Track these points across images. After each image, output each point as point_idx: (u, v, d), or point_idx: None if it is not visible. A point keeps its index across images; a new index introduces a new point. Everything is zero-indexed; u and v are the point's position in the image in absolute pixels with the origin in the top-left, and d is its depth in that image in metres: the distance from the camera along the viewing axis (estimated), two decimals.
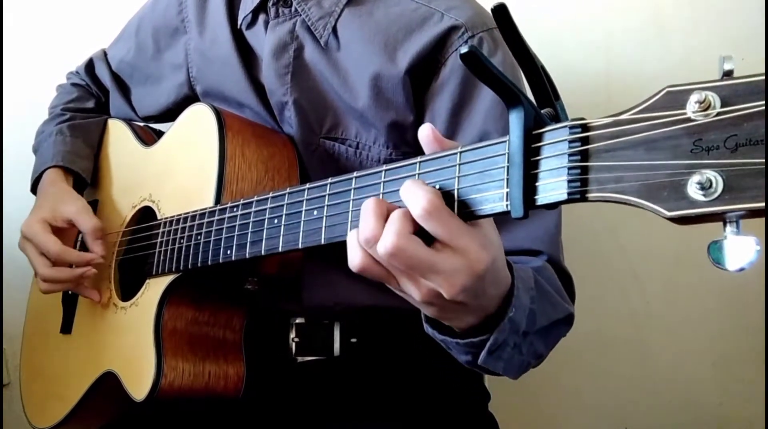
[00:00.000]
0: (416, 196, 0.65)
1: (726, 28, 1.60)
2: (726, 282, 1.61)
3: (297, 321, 1.19)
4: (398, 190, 0.70)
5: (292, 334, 1.19)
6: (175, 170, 1.19)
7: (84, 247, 1.33)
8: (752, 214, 0.51)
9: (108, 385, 1.18)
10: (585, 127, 0.59)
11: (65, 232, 1.26)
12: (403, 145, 1.13)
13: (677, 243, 1.59)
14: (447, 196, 0.67)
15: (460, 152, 0.67)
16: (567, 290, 1.02)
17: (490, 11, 1.12)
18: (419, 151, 1.12)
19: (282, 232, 0.87)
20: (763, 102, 0.50)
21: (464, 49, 0.58)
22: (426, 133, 0.72)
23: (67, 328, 1.34)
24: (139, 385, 1.09)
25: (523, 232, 1.01)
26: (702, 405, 1.71)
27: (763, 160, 0.49)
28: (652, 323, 1.71)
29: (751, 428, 1.67)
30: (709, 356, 1.70)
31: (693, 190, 0.52)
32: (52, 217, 1.25)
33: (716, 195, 0.51)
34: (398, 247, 0.66)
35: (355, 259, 0.71)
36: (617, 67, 1.66)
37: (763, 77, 0.51)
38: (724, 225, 0.53)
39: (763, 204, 0.49)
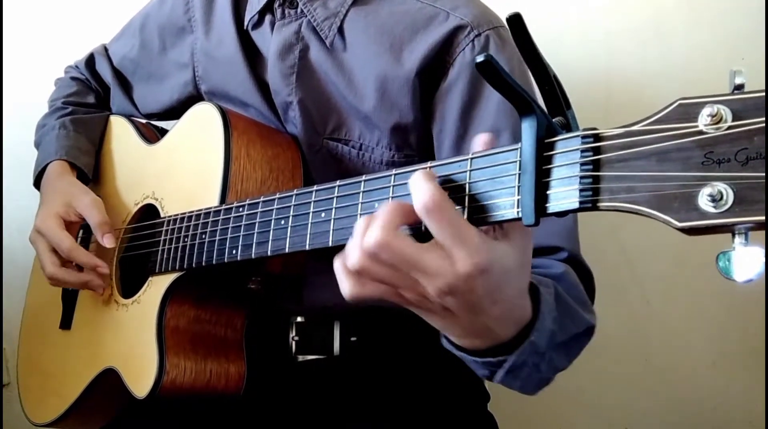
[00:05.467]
0: (420, 190, 0.63)
1: (726, 28, 1.60)
2: (726, 282, 1.60)
3: (297, 320, 1.19)
4: (407, 196, 0.70)
5: (293, 333, 1.19)
6: (180, 168, 1.19)
7: (84, 243, 1.34)
8: (762, 226, 0.51)
9: (108, 382, 1.18)
10: (597, 137, 0.59)
11: (73, 226, 1.26)
12: (406, 147, 1.13)
13: (677, 243, 1.58)
14: (458, 201, 0.67)
15: (471, 158, 0.68)
16: (587, 288, 1.00)
17: (494, 11, 1.14)
18: (422, 154, 1.14)
19: (289, 234, 0.87)
20: None
21: (480, 58, 0.58)
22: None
23: (66, 323, 1.34)
24: (140, 383, 1.09)
25: (541, 228, 0.99)
26: (702, 404, 1.72)
27: None
28: (652, 323, 1.72)
29: (751, 428, 1.68)
30: (709, 356, 1.71)
31: (704, 202, 0.52)
32: (65, 212, 1.24)
33: (727, 207, 0.51)
34: (385, 241, 0.65)
35: (345, 287, 0.70)
36: (617, 67, 1.66)
37: None
38: (733, 236, 0.53)
39: (762, 217, 0.50)
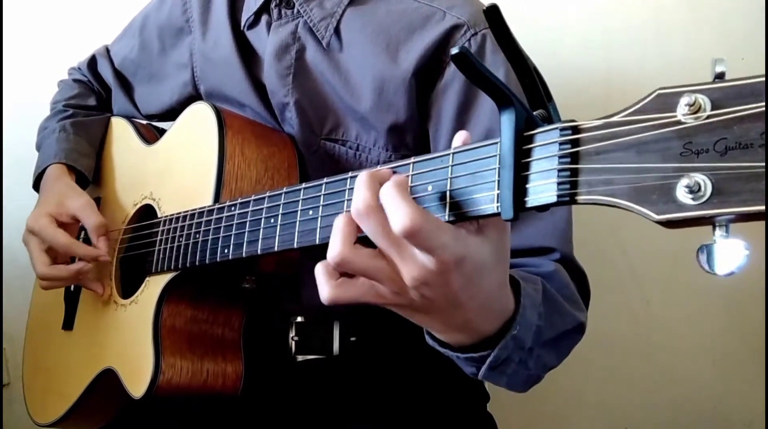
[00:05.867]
0: (397, 213, 0.62)
1: (726, 28, 1.59)
2: (726, 281, 1.58)
3: (297, 320, 1.19)
4: None
5: (292, 333, 1.19)
6: (176, 168, 1.20)
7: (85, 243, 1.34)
8: (741, 218, 0.50)
9: (108, 382, 1.18)
10: (576, 129, 0.58)
11: (68, 228, 1.26)
12: (403, 147, 1.13)
13: (677, 243, 1.57)
14: (440, 197, 0.67)
15: (453, 153, 0.67)
16: (581, 290, 1.00)
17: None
18: (419, 154, 1.13)
19: (278, 232, 0.87)
20: (754, 105, 0.49)
21: (455, 50, 0.58)
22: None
23: (68, 324, 1.35)
24: (137, 383, 1.09)
25: (533, 229, 1.00)
26: (702, 404, 1.71)
27: (753, 164, 0.49)
28: (652, 323, 1.71)
29: (751, 428, 1.67)
30: (709, 356, 1.70)
31: (682, 194, 0.51)
32: (57, 213, 1.25)
33: (705, 198, 0.50)
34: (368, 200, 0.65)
35: (324, 290, 0.69)
36: (617, 67, 1.66)
37: (755, 80, 0.50)
38: (714, 229, 0.52)
39: (758, 207, 0.49)
